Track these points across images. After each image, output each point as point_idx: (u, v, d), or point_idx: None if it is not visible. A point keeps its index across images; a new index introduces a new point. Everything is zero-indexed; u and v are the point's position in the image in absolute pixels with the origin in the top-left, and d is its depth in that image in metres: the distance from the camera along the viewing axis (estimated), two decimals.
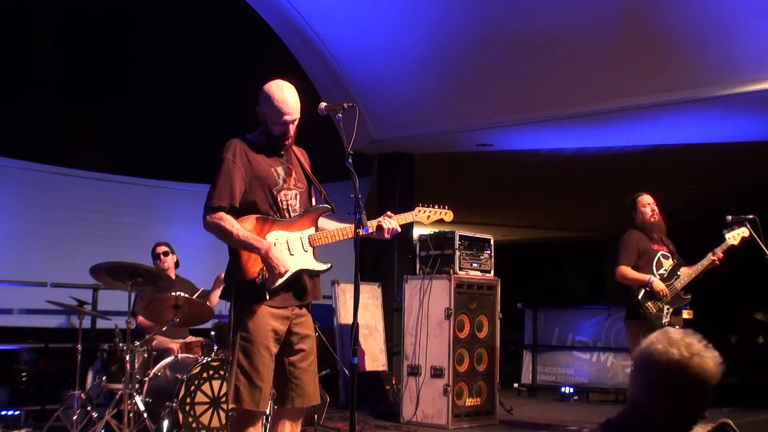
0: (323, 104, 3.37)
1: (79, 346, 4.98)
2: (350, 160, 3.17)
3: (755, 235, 4.98)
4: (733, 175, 10.22)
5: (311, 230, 3.38)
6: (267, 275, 3.23)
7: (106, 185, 8.19)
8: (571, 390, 8.77)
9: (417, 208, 3.70)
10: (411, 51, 7.41)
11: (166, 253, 5.87)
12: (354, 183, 3.14)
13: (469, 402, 6.50)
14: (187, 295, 5.18)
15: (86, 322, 6.36)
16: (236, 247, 3.26)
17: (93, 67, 8.02)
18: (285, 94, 3.30)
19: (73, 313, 5.84)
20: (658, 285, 5.34)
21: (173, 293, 5.10)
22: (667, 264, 5.49)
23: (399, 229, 3.42)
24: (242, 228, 3.22)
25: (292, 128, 3.33)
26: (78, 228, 7.85)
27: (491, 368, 6.69)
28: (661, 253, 5.52)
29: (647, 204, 5.62)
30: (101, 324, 6.84)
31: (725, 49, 6.16)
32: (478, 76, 7.39)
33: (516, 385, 9.17)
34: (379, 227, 3.38)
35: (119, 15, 7.96)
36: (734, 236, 5.38)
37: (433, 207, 3.73)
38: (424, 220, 3.70)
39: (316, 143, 3.59)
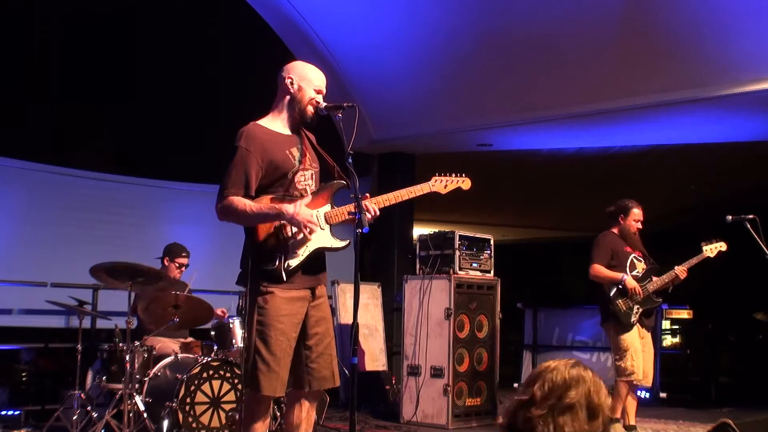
0: (323, 104, 3.38)
1: (79, 346, 4.96)
2: (350, 160, 3.17)
3: (755, 235, 4.97)
4: (733, 175, 10.22)
5: (327, 207, 3.36)
6: (286, 250, 3.20)
7: (106, 185, 8.19)
8: None
9: (434, 178, 3.63)
10: (411, 51, 7.42)
11: (187, 266, 5.82)
12: (354, 183, 3.13)
13: (469, 402, 6.50)
14: (186, 296, 5.17)
15: (86, 322, 6.35)
16: (255, 223, 3.22)
17: (93, 67, 8.02)
18: (316, 68, 3.45)
19: (73, 313, 5.83)
20: (631, 283, 5.42)
21: (173, 293, 5.10)
22: (641, 266, 5.59)
23: (378, 213, 3.27)
24: (255, 203, 3.20)
25: (313, 107, 3.36)
26: (78, 228, 7.85)
27: (491, 368, 6.69)
28: (634, 255, 5.62)
29: (638, 219, 5.68)
30: (101, 324, 6.84)
31: (725, 49, 6.16)
32: (478, 76, 7.39)
33: (516, 385, 9.16)
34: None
35: (120, 15, 7.96)
36: (711, 249, 5.49)
37: (450, 176, 3.66)
38: (441, 190, 3.61)
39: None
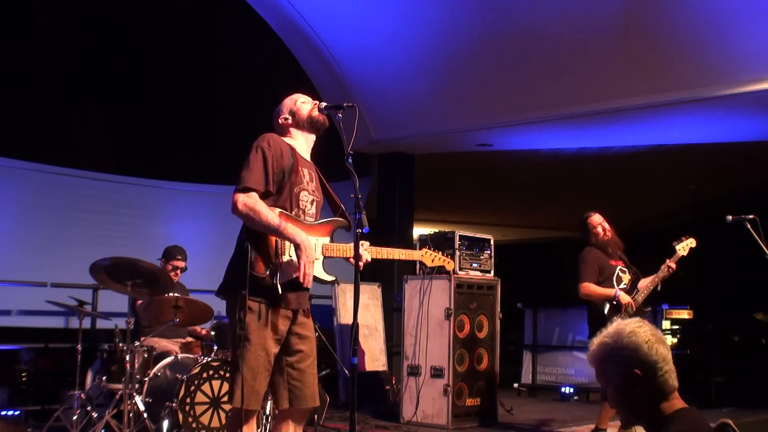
0: (323, 104, 3.40)
1: (79, 346, 4.97)
2: (350, 160, 3.18)
3: (755, 235, 4.97)
4: (733, 175, 10.22)
5: (326, 239, 3.42)
6: (278, 267, 3.22)
7: (106, 185, 8.20)
8: (571, 390, 8.76)
9: (425, 250, 3.82)
10: (411, 51, 7.41)
11: (184, 269, 5.84)
12: (354, 183, 3.14)
13: (469, 402, 6.50)
14: (186, 297, 5.17)
15: (86, 322, 6.35)
16: (266, 232, 3.23)
17: (93, 67, 8.02)
18: (293, 94, 3.56)
19: (73, 314, 5.84)
20: (625, 298, 5.44)
21: (172, 294, 5.10)
22: (626, 279, 5.61)
23: (370, 260, 3.41)
24: (275, 215, 3.22)
25: (317, 110, 3.45)
26: (78, 228, 7.86)
27: (491, 368, 6.69)
28: (619, 268, 5.64)
29: (598, 224, 5.72)
30: (101, 324, 6.83)
31: (725, 49, 6.16)
32: (478, 76, 7.39)
33: (516, 385, 9.16)
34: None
35: (120, 15, 7.95)
36: (683, 247, 5.48)
37: (438, 253, 3.85)
38: (428, 262, 3.81)
39: (315, 144, 3.60)
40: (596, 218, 5.74)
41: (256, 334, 3.21)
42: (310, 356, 3.39)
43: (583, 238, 5.79)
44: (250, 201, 3.19)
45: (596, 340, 2.18)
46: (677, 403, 2.08)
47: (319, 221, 3.43)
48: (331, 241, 3.44)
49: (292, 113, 3.47)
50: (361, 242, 3.29)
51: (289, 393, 3.31)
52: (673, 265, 5.45)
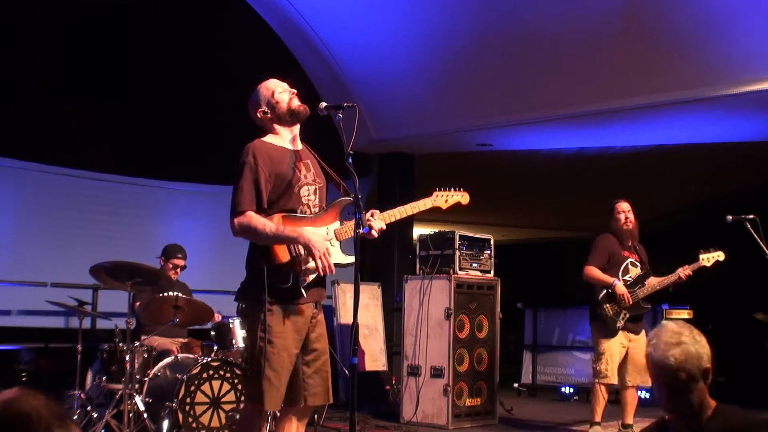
0: (323, 104, 3.38)
1: (79, 346, 4.97)
2: (350, 160, 3.17)
3: (755, 235, 4.97)
4: (733, 175, 10.22)
5: (336, 224, 3.40)
6: (300, 268, 3.22)
7: (106, 185, 8.21)
8: (571, 390, 8.76)
9: (435, 193, 3.74)
10: (411, 51, 7.41)
11: (183, 268, 5.84)
12: (354, 183, 3.14)
13: (469, 402, 6.50)
14: (186, 297, 5.17)
15: (86, 322, 6.35)
16: (271, 243, 3.23)
17: (93, 67, 8.02)
18: (267, 80, 3.45)
19: (73, 314, 5.83)
20: (621, 288, 5.49)
21: (173, 293, 5.10)
22: (634, 272, 5.64)
23: (384, 227, 3.37)
24: (273, 224, 3.22)
25: (296, 99, 3.39)
26: (78, 228, 7.87)
27: (491, 368, 6.69)
28: (630, 260, 5.67)
29: (623, 211, 5.74)
30: (101, 324, 6.84)
31: (725, 49, 6.16)
32: (478, 76, 7.39)
33: (516, 385, 9.15)
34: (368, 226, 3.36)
35: (120, 14, 7.95)
36: (708, 258, 5.51)
37: (450, 190, 3.77)
38: (442, 205, 3.74)
39: (316, 144, 3.60)
40: (624, 205, 5.78)
41: (280, 338, 3.21)
42: (324, 354, 3.39)
43: (606, 222, 5.83)
44: (244, 220, 3.20)
45: (668, 341, 2.17)
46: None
47: (323, 210, 3.40)
48: (342, 221, 3.42)
49: (271, 107, 3.39)
50: (371, 211, 3.32)
51: (304, 390, 3.31)
52: (689, 272, 5.48)
